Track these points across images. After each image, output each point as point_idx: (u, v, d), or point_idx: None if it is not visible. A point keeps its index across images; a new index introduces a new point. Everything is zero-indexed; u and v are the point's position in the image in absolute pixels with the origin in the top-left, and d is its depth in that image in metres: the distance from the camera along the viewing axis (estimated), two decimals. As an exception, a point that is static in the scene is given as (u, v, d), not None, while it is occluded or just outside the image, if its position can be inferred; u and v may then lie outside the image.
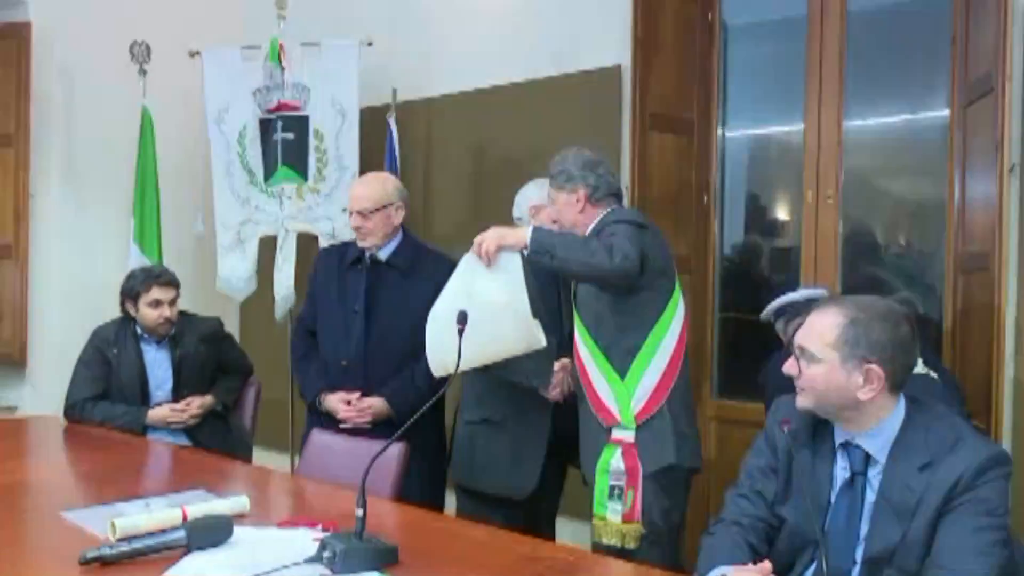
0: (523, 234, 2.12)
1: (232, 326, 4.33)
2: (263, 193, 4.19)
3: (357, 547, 1.56)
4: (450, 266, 2.78)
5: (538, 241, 2.10)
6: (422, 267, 2.72)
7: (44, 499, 2.10)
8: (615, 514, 2.17)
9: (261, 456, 3.12)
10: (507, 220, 2.66)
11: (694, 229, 3.58)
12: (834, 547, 1.61)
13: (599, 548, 2.21)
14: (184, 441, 2.87)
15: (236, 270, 4.20)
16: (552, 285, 2.55)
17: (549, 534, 2.59)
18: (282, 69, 4.02)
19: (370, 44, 4.04)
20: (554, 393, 2.42)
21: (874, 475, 1.61)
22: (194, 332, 3.00)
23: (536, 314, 2.25)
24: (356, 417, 2.64)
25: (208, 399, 2.95)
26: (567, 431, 2.50)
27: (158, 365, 2.95)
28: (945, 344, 2.99)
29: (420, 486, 2.52)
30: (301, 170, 4.09)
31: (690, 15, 3.54)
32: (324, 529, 1.74)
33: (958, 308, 2.93)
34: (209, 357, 3.03)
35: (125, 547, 1.57)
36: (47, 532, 1.85)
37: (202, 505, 1.83)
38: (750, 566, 1.55)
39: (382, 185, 2.74)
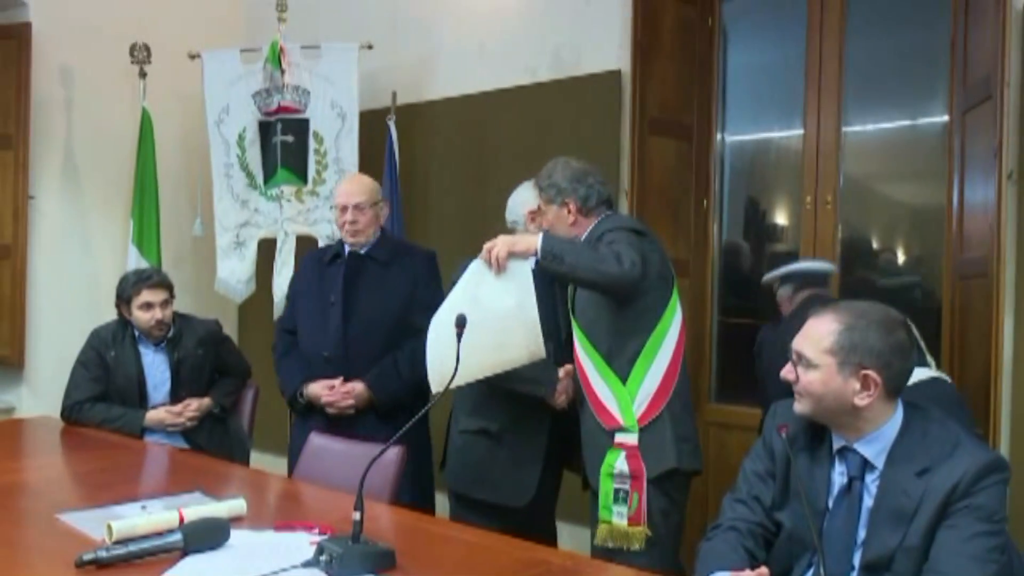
0: (533, 241, 2.12)
1: (231, 328, 4.34)
2: (262, 196, 4.19)
3: (354, 551, 1.56)
4: (427, 259, 2.83)
5: (548, 248, 2.10)
6: (400, 260, 2.81)
7: (40, 501, 2.09)
8: (620, 517, 2.18)
9: (259, 459, 3.11)
10: (507, 224, 2.66)
11: (693, 233, 3.58)
12: (832, 552, 1.60)
13: (598, 552, 2.21)
14: (181, 443, 2.86)
15: (235, 272, 4.20)
16: (547, 290, 2.55)
17: (546, 537, 2.58)
18: (282, 72, 4.03)
19: (370, 47, 4.04)
20: (560, 400, 2.41)
21: (872, 480, 1.61)
22: (192, 334, 2.99)
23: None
24: (339, 400, 2.66)
25: (206, 401, 2.95)
26: (564, 435, 2.50)
27: (156, 367, 2.95)
28: (943, 350, 2.99)
29: (410, 488, 2.53)
30: (300, 173, 4.09)
31: (690, 20, 3.54)
32: (321, 533, 1.74)
33: (956, 314, 2.93)
34: (207, 359, 3.02)
35: (121, 550, 1.57)
36: (43, 534, 1.84)
37: (199, 508, 1.83)
38: (748, 571, 1.54)
39: (371, 183, 2.86)
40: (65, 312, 4.14)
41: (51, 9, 4.11)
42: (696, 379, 3.45)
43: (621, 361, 2.21)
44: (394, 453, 2.23)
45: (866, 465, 1.62)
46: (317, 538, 1.66)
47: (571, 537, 3.12)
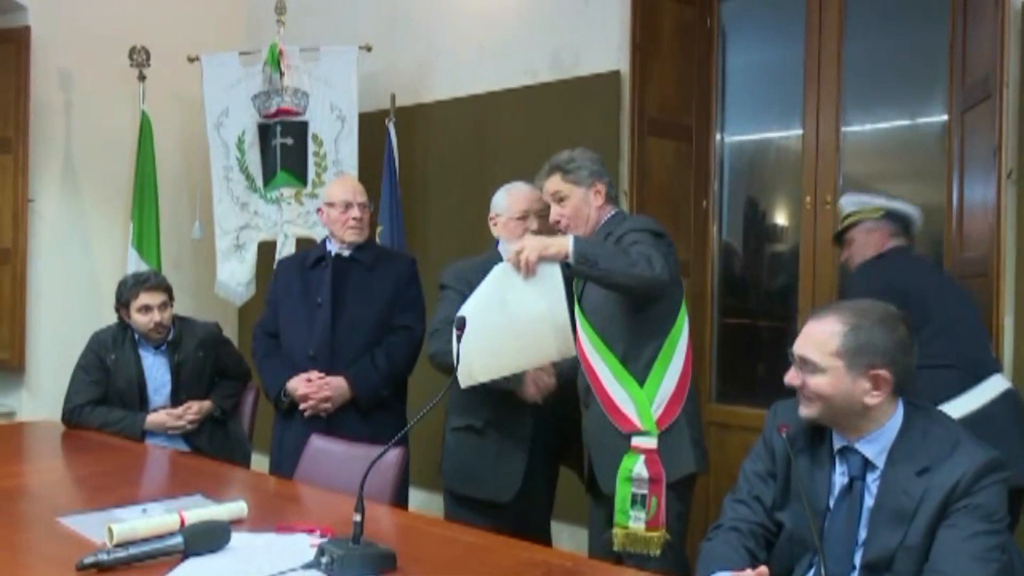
0: (565, 244, 2.06)
1: (231, 331, 4.34)
2: (262, 198, 4.20)
3: (355, 552, 1.56)
4: (409, 263, 2.90)
5: (581, 251, 2.04)
6: (383, 263, 2.87)
7: (41, 504, 2.09)
8: (638, 522, 2.12)
9: (259, 461, 3.11)
10: (488, 217, 2.65)
11: (693, 234, 3.58)
12: (833, 552, 1.61)
13: (602, 555, 2.18)
14: (182, 446, 2.86)
15: (235, 275, 4.21)
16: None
17: (541, 536, 2.57)
18: (281, 74, 4.03)
19: (369, 49, 4.05)
20: (530, 392, 2.38)
21: (872, 480, 1.62)
22: (192, 337, 2.99)
23: None
24: (314, 392, 2.67)
25: (206, 404, 2.95)
26: (560, 432, 2.50)
27: (156, 370, 2.95)
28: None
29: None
30: (300, 175, 4.10)
31: (689, 20, 3.55)
32: (322, 535, 1.74)
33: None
34: (207, 362, 3.02)
35: (122, 553, 1.57)
36: (44, 538, 1.84)
37: (200, 510, 1.83)
38: (748, 572, 1.54)
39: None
40: (65, 315, 4.14)
41: (50, 13, 4.11)
42: (696, 379, 3.44)
43: (638, 364, 2.17)
44: (394, 455, 2.23)
45: (867, 465, 1.62)
46: (318, 540, 1.66)
47: (571, 538, 3.12)
